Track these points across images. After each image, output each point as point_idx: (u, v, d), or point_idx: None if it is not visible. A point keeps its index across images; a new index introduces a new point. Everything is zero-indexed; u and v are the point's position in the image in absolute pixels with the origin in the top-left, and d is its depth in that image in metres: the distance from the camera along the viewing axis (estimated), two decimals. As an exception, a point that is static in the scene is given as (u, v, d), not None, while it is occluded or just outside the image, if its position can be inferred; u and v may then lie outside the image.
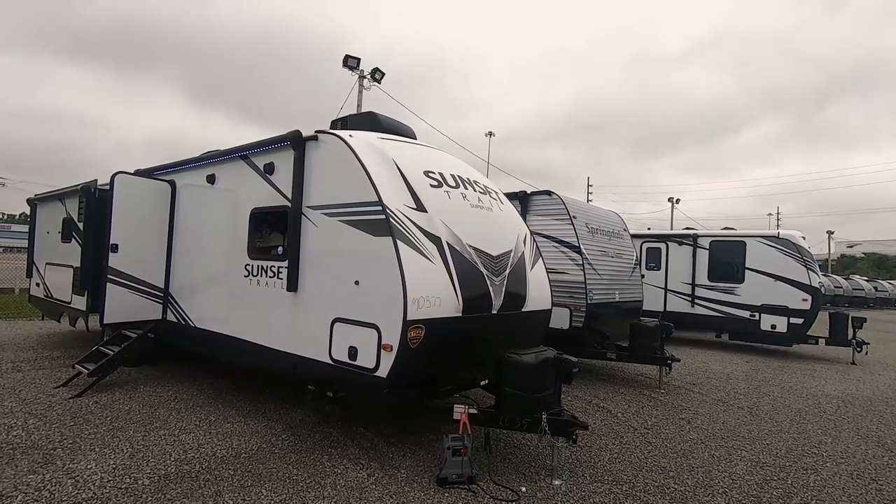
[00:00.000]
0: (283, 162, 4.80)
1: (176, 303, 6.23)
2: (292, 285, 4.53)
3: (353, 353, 4.00)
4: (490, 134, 38.82)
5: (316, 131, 4.57)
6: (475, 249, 4.43)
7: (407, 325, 3.71)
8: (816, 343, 10.72)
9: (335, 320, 4.17)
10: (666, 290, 12.22)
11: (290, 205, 4.65)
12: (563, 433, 3.97)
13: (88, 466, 3.88)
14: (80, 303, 6.97)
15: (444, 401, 4.48)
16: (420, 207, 4.18)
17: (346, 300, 4.11)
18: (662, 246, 12.43)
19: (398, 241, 3.84)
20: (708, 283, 11.71)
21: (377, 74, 18.22)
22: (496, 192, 5.33)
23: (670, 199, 40.24)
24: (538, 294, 5.19)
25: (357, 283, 4.03)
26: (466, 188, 4.75)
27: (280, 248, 4.79)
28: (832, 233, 51.94)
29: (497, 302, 4.55)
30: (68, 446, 4.26)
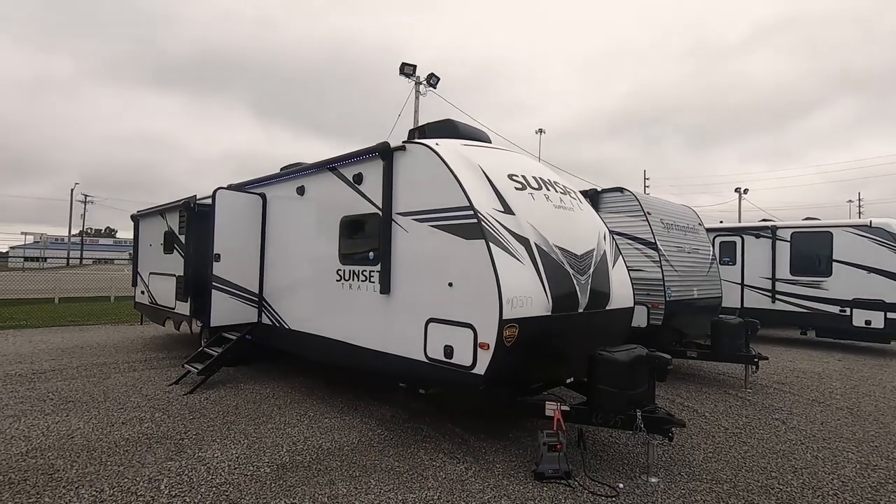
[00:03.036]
0: (372, 172, 5.08)
1: (269, 306, 6.70)
2: (385, 288, 4.79)
3: (448, 351, 4.19)
4: (541, 131, 38.41)
5: (403, 142, 4.81)
6: (561, 249, 4.51)
7: (502, 324, 3.85)
8: (920, 340, 9.90)
9: (429, 320, 4.38)
10: (742, 285, 11.67)
11: (380, 212, 4.92)
12: (658, 430, 3.97)
13: (215, 455, 4.30)
14: (183, 308, 7.65)
15: (533, 398, 4.57)
16: (508, 210, 4.31)
17: (439, 301, 4.31)
18: (737, 239, 11.89)
19: (490, 243, 3.99)
20: (790, 277, 11.07)
21: (432, 80, 18.57)
22: (575, 192, 5.38)
23: (737, 190, 38.15)
24: (621, 291, 5.19)
25: (450, 284, 4.22)
26: (548, 189, 4.84)
27: (371, 254, 5.06)
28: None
29: (583, 300, 4.61)
30: (193, 437, 4.72)
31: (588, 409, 4.22)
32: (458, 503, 3.59)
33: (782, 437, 5.09)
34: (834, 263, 10.52)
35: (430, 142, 4.65)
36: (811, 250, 10.90)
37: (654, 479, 4.01)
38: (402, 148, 4.78)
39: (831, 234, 10.63)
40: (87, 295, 20.32)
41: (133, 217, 10.10)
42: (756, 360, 6.92)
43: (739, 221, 25.18)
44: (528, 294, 4.07)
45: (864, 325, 10.06)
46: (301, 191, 6.18)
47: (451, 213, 4.26)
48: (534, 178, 4.82)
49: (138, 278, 9.83)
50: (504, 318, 3.84)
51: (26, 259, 48.46)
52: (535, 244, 4.30)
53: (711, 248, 8.62)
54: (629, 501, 3.68)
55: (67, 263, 47.86)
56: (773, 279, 11.28)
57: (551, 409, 4.20)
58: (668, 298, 6.96)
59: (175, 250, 7.98)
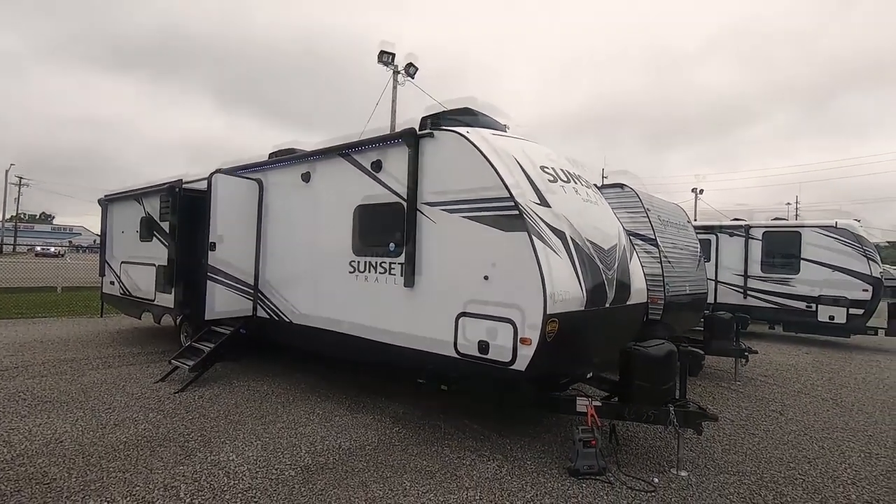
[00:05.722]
0: (393, 159, 4.85)
1: (266, 299, 6.33)
2: (409, 281, 4.59)
3: (483, 347, 4.05)
4: (504, 126, 38.79)
5: (432, 128, 4.61)
6: (591, 243, 4.47)
7: (546, 318, 3.75)
8: (876, 334, 10.62)
9: (461, 315, 4.22)
10: (716, 281, 12.13)
11: (402, 201, 4.70)
12: (691, 425, 4.01)
13: (230, 458, 4.00)
14: (165, 300, 7.12)
15: (562, 394, 4.52)
16: (544, 202, 4.21)
17: (473, 295, 4.16)
18: (712, 237, 12.34)
19: (533, 236, 3.88)
20: (761, 274, 11.62)
21: (411, 69, 18.23)
22: (595, 187, 5.35)
23: (694, 190, 39.82)
24: (639, 286, 5.23)
25: (486, 277, 4.08)
26: (576, 183, 4.78)
27: (392, 245, 4.83)
28: (858, 221, 51.01)
29: (610, 295, 4.59)
30: (199, 439, 4.38)
31: (621, 405, 4.20)
32: (503, 503, 3.48)
33: (786, 429, 5.28)
34: (802, 262, 11.11)
35: (461, 129, 4.47)
36: (781, 249, 11.47)
37: (683, 473, 4.04)
38: (429, 135, 4.57)
39: (800, 234, 11.23)
40: (29, 285, 18.78)
41: (101, 201, 9.29)
42: (746, 353, 7.19)
43: (695, 220, 26.29)
44: (566, 288, 4.00)
45: (827, 320, 10.70)
46: (306, 177, 5.84)
47: (488, 203, 4.11)
48: (562, 170, 4.74)
49: (107, 268, 9.09)
50: (548, 312, 3.75)
51: (-48, 245, 44.36)
52: (571, 237, 4.23)
53: (699, 246, 8.88)
54: (667, 496, 3.69)
55: (0, 251, 44.16)
56: (746, 276, 11.79)
57: (583, 404, 4.17)
58: (667, 294, 7.09)
59: (155, 238, 7.40)
